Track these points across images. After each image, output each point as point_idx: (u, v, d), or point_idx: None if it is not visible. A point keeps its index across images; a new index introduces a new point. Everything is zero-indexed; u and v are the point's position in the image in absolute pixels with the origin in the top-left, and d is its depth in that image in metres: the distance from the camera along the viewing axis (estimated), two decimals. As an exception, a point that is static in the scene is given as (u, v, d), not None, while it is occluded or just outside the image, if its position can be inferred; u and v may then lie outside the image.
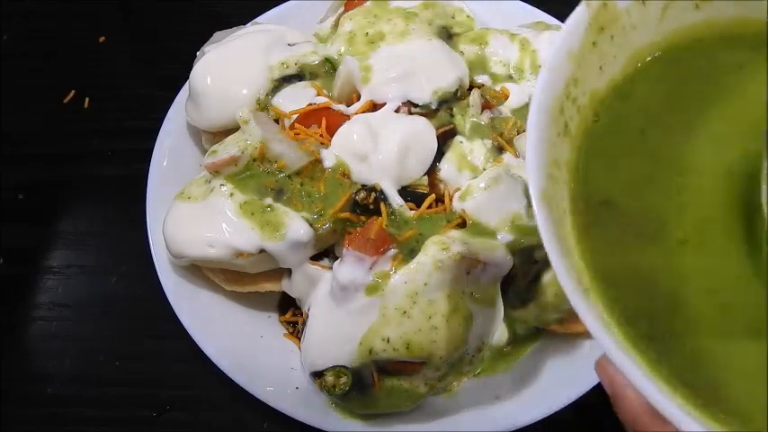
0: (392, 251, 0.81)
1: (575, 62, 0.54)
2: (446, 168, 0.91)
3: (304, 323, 0.87)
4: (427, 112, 0.93)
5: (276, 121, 0.95)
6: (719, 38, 0.59)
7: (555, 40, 0.54)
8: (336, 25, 1.07)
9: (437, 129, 0.92)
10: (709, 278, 0.49)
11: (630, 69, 0.58)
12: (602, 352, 0.43)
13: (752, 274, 0.48)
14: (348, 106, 0.95)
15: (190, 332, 0.88)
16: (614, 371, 0.51)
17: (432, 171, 0.91)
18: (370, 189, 0.87)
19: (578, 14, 0.55)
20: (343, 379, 0.79)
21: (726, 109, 0.57)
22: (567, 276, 0.44)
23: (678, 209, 0.52)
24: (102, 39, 1.32)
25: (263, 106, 0.97)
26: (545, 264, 0.86)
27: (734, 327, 0.47)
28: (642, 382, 0.40)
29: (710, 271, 0.49)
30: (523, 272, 0.86)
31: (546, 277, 0.86)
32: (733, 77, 0.58)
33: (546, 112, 0.51)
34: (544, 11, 1.16)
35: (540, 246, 0.83)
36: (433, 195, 0.89)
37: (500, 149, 0.95)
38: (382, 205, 0.86)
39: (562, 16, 1.15)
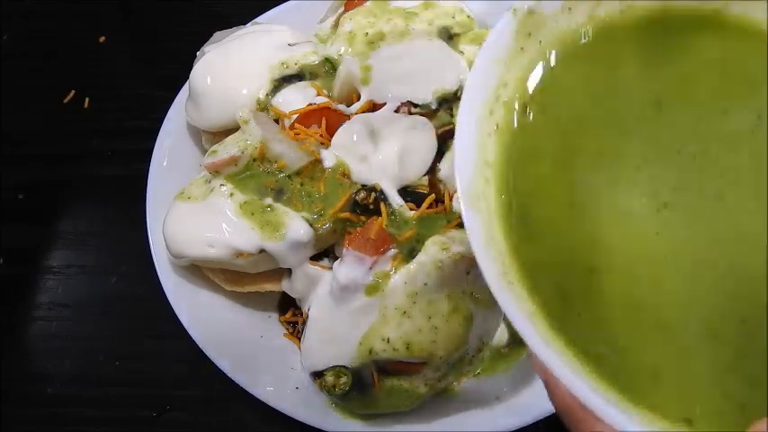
0: (392, 251, 0.81)
1: (503, 66, 0.56)
2: (446, 168, 0.90)
3: (304, 323, 0.87)
4: (427, 112, 0.93)
5: (276, 121, 0.95)
6: (642, 26, 0.60)
7: (481, 47, 0.56)
8: (336, 25, 1.07)
9: (437, 129, 0.92)
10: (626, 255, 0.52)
11: (556, 67, 0.60)
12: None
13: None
14: (348, 106, 0.95)
15: (190, 332, 0.88)
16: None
17: (432, 171, 0.91)
18: (370, 189, 0.87)
19: (504, 23, 0.56)
20: (343, 379, 0.79)
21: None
22: (490, 269, 0.46)
23: (598, 198, 0.54)
24: (102, 39, 1.33)
25: (263, 106, 0.97)
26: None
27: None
28: (562, 373, 0.42)
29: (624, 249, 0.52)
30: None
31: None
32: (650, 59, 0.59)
33: (473, 116, 0.53)
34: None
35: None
36: (433, 195, 0.89)
37: (500, 149, 0.95)
38: (382, 205, 0.86)
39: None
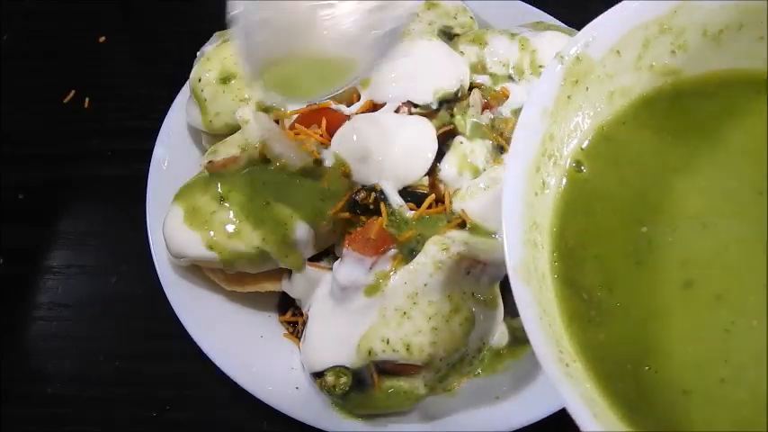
0: (392, 251, 0.81)
1: (550, 118, 0.53)
2: (446, 169, 0.90)
3: (304, 323, 0.87)
4: (427, 113, 0.93)
5: (276, 121, 0.95)
6: (700, 84, 0.58)
7: (528, 99, 0.53)
8: (336, 25, 1.07)
9: (437, 129, 0.92)
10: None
11: (609, 117, 0.57)
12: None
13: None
14: (348, 106, 0.95)
15: (190, 332, 0.88)
16: None
17: (432, 171, 0.90)
18: (370, 189, 0.87)
19: (551, 70, 0.53)
20: (343, 379, 0.79)
21: (713, 156, 0.55)
22: (545, 351, 0.43)
23: (660, 257, 0.51)
24: (102, 39, 1.32)
25: (264, 106, 0.97)
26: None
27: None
28: None
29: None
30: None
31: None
32: (719, 124, 0.57)
33: (522, 176, 0.50)
34: (544, 11, 1.16)
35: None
36: (433, 195, 0.89)
37: (500, 150, 0.95)
38: (382, 205, 0.86)
39: (562, 16, 1.15)
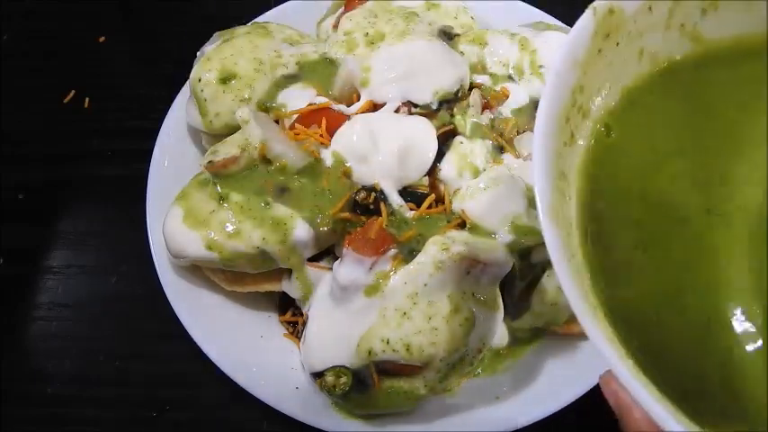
0: (392, 251, 0.81)
1: (580, 69, 0.52)
2: (446, 169, 0.90)
3: (304, 323, 0.87)
4: (427, 113, 0.93)
5: (276, 121, 0.95)
6: (733, 49, 0.57)
7: (560, 46, 0.52)
8: (336, 25, 1.07)
9: (437, 129, 0.92)
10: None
11: (640, 80, 0.57)
12: (604, 363, 0.43)
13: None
14: (348, 106, 0.95)
15: (190, 332, 0.88)
16: (619, 387, 0.50)
17: (432, 171, 0.91)
18: (370, 189, 0.87)
19: (584, 21, 0.53)
20: (343, 379, 0.79)
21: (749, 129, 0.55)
22: (572, 288, 0.44)
23: (683, 230, 0.51)
24: (102, 39, 1.32)
25: (264, 106, 0.97)
26: (541, 269, 0.86)
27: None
28: (646, 399, 0.39)
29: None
30: (521, 275, 0.86)
31: (540, 286, 0.86)
32: (753, 91, 0.56)
33: (553, 121, 0.50)
34: (544, 11, 1.16)
35: (538, 247, 0.84)
36: (434, 195, 0.89)
37: (500, 150, 0.95)
38: (382, 205, 0.86)
39: (562, 16, 1.15)
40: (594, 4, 0.53)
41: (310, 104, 0.95)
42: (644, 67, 0.57)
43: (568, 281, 0.44)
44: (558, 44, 1.01)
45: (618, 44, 0.55)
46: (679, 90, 0.57)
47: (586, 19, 0.53)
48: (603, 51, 0.54)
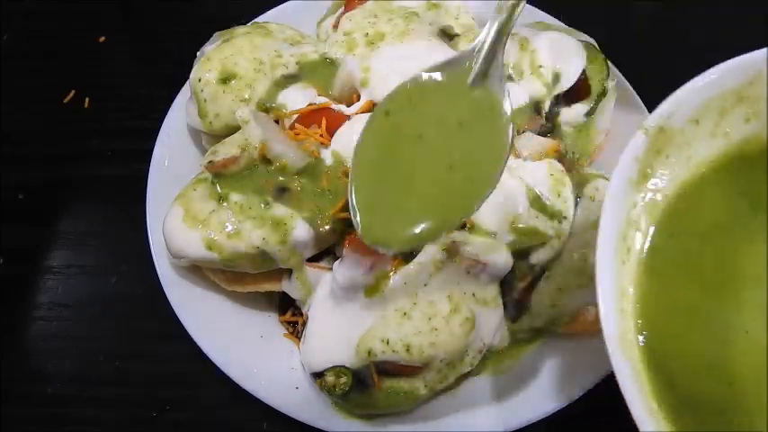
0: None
1: (633, 187, 0.56)
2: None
3: (304, 323, 0.87)
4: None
5: (276, 121, 0.95)
6: None
7: (615, 171, 0.55)
8: (336, 25, 1.07)
9: (437, 129, 0.92)
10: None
11: (686, 182, 0.60)
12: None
13: None
14: (348, 106, 0.95)
15: (190, 332, 0.88)
16: None
17: (432, 171, 0.90)
18: (370, 189, 0.87)
19: (636, 142, 0.56)
20: (344, 379, 0.79)
21: None
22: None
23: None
24: (102, 39, 1.33)
25: (264, 106, 0.97)
26: (541, 269, 0.86)
27: None
28: None
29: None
30: (521, 275, 0.86)
31: (540, 287, 0.86)
32: None
33: (611, 243, 0.53)
34: (544, 11, 1.16)
35: (538, 247, 0.84)
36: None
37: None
38: (382, 205, 0.86)
39: (562, 16, 1.15)
40: (645, 124, 0.57)
41: (310, 104, 0.95)
42: (691, 170, 0.61)
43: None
44: (558, 44, 1.01)
45: (668, 157, 0.59)
46: (728, 188, 0.61)
47: (638, 141, 0.56)
48: (654, 166, 0.58)
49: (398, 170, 0.72)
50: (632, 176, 0.57)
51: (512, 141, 0.70)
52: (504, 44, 0.74)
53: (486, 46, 0.73)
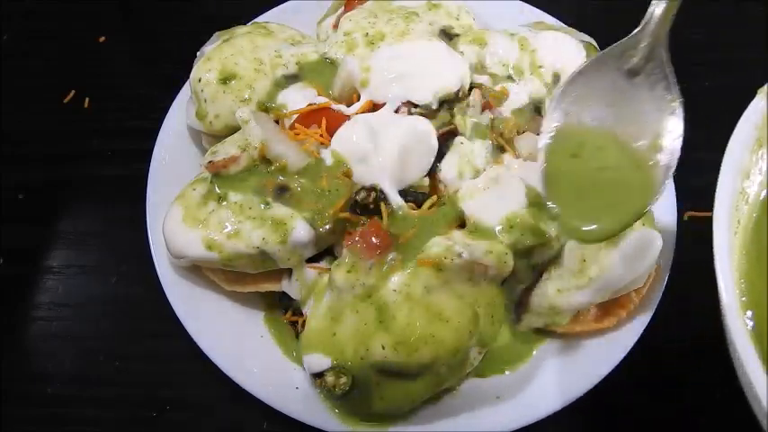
0: (392, 252, 0.81)
1: (748, 155, 0.55)
2: (446, 169, 0.90)
3: (304, 323, 0.87)
4: (427, 113, 0.93)
5: (276, 121, 0.95)
6: None
7: (735, 133, 0.54)
8: (336, 25, 1.07)
9: (437, 129, 0.92)
10: None
11: None
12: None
13: None
14: (348, 106, 0.95)
15: (190, 332, 0.88)
16: None
17: (432, 172, 0.90)
18: (370, 189, 0.87)
19: (753, 107, 0.56)
20: (343, 379, 0.79)
21: None
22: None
23: None
24: (102, 39, 1.32)
25: (264, 106, 0.97)
26: (540, 271, 0.86)
27: None
28: None
29: None
30: (521, 276, 0.86)
31: (539, 288, 0.86)
32: None
33: (727, 214, 0.52)
34: (544, 11, 1.16)
35: (538, 248, 0.84)
36: (435, 196, 0.89)
37: (500, 150, 0.95)
38: (382, 205, 0.86)
39: (562, 16, 1.15)
40: (763, 88, 0.56)
41: (310, 104, 0.95)
42: None
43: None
44: (558, 44, 1.01)
45: None
46: None
47: (756, 104, 0.55)
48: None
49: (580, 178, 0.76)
50: (748, 142, 0.55)
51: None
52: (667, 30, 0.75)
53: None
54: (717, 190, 0.53)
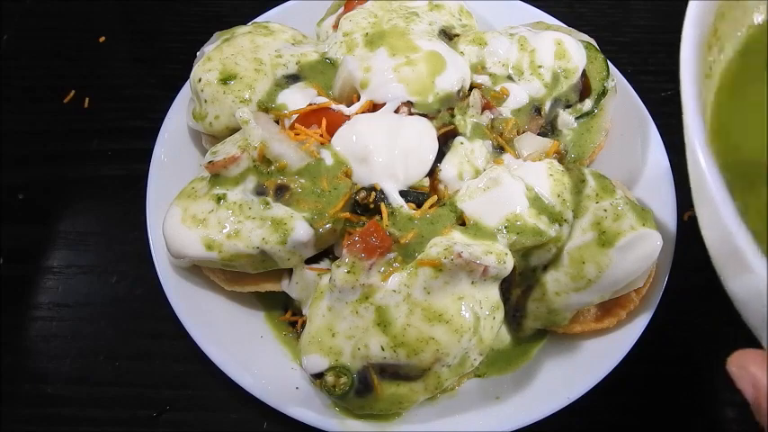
0: (392, 253, 0.81)
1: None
2: (447, 169, 0.90)
3: (304, 323, 0.87)
4: (427, 113, 0.93)
5: (276, 121, 0.95)
6: None
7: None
8: (336, 25, 1.07)
9: (438, 129, 0.92)
10: None
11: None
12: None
13: None
14: (348, 106, 0.95)
15: (190, 332, 0.88)
16: (757, 370, 0.46)
17: (432, 172, 0.90)
18: (370, 189, 0.87)
19: None
20: (343, 379, 0.79)
21: None
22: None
23: None
24: (102, 39, 1.32)
25: (264, 106, 0.97)
26: (540, 271, 0.86)
27: None
28: None
29: None
30: (521, 276, 0.86)
31: (538, 289, 0.86)
32: None
33: (697, 48, 0.49)
34: (544, 11, 1.16)
35: (538, 248, 0.84)
36: (435, 196, 0.89)
37: (500, 150, 0.95)
38: (382, 205, 0.86)
39: (562, 16, 1.16)
40: None
41: (310, 104, 0.95)
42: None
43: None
44: (556, 45, 1.01)
45: None
46: None
47: None
48: None
49: None
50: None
51: None
52: None
53: None
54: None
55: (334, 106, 0.94)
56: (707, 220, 0.47)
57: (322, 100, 0.96)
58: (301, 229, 0.84)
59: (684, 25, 0.51)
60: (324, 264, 0.89)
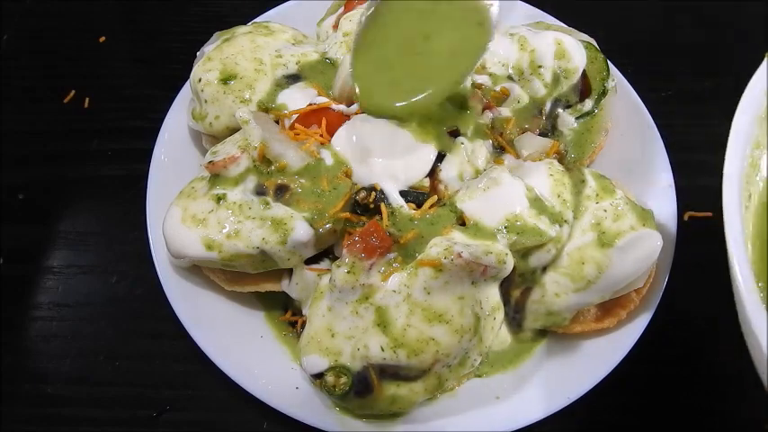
0: (392, 253, 0.81)
1: (758, 126, 0.52)
2: (447, 169, 0.90)
3: (304, 323, 0.87)
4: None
5: (276, 121, 0.95)
6: None
7: (741, 103, 0.51)
8: (336, 25, 1.07)
9: (437, 129, 0.92)
10: None
11: None
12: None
13: None
14: (348, 106, 0.95)
15: (190, 332, 0.88)
16: None
17: (432, 172, 0.90)
18: (370, 189, 0.87)
19: (760, 76, 0.52)
20: (343, 379, 0.79)
21: None
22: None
23: None
24: (102, 39, 1.32)
25: (264, 106, 0.97)
26: (539, 272, 0.86)
27: None
28: None
29: None
30: (521, 277, 0.86)
31: (537, 290, 0.86)
32: None
33: (737, 181, 0.50)
34: (544, 11, 1.16)
35: (538, 248, 0.84)
36: (435, 196, 0.89)
37: (500, 150, 0.95)
38: (382, 206, 0.86)
39: (562, 16, 1.15)
40: None
41: (310, 104, 0.95)
42: None
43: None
44: (556, 45, 1.01)
45: None
46: None
47: (762, 72, 0.52)
48: None
49: (388, 46, 0.86)
50: (758, 112, 0.52)
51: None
52: None
53: None
54: (725, 160, 0.51)
55: (334, 106, 0.94)
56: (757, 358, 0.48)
57: (322, 100, 0.96)
58: (301, 229, 0.84)
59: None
60: (324, 264, 0.89)
